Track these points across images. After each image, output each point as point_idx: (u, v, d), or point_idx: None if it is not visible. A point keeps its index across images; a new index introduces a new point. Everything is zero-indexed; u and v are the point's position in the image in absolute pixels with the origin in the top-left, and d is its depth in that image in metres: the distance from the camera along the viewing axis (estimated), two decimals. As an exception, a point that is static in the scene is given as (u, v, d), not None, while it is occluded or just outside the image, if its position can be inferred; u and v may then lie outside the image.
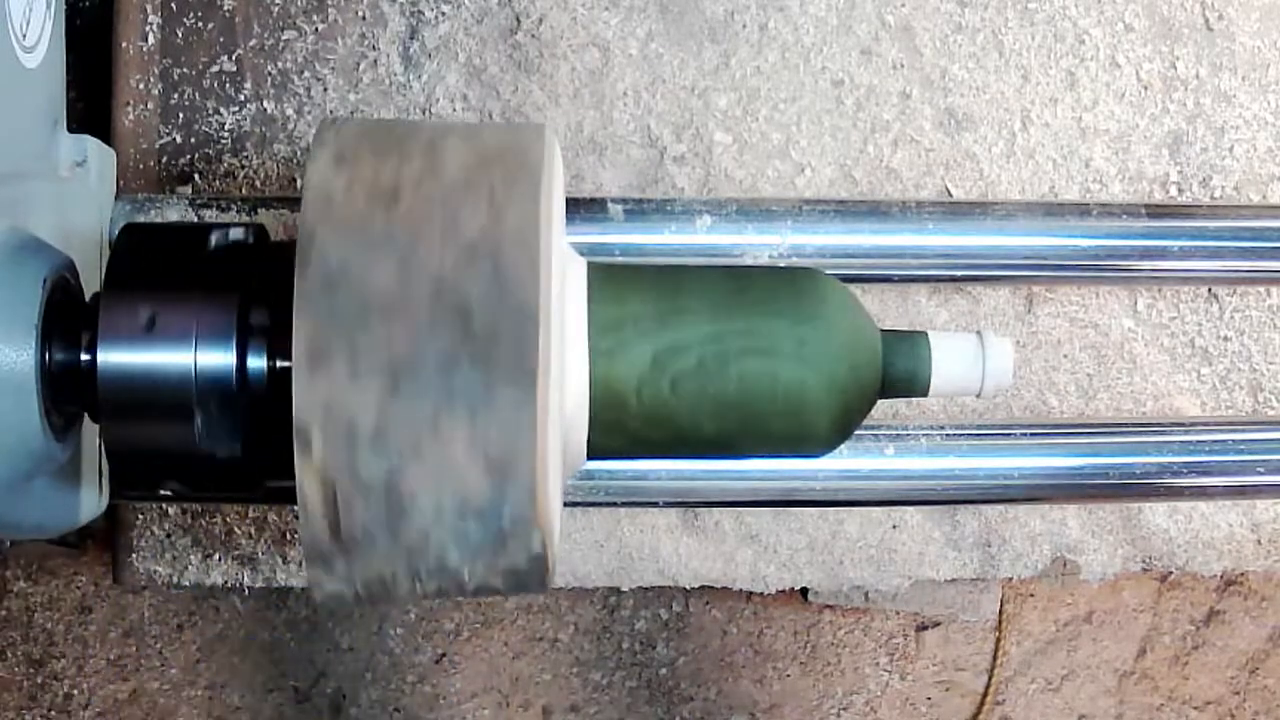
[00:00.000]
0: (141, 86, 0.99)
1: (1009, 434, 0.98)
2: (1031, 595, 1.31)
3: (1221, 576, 1.31)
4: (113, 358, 0.64)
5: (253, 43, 1.00)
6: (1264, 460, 0.98)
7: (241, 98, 1.00)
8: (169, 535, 1.04)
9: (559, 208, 0.67)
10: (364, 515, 0.60)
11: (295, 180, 1.00)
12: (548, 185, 0.62)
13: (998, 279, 1.01)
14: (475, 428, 0.59)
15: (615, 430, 0.67)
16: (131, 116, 1.00)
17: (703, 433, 0.68)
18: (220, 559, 1.04)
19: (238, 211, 0.91)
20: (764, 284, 0.68)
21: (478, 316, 0.59)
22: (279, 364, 0.65)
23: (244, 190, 1.00)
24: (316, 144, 0.62)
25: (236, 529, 1.04)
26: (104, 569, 1.19)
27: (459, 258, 0.59)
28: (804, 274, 0.70)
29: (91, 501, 0.82)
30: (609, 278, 0.68)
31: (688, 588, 1.10)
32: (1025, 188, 1.05)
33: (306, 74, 1.01)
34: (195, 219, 0.90)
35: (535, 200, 0.61)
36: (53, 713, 1.24)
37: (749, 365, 0.66)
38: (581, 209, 0.91)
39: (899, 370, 0.70)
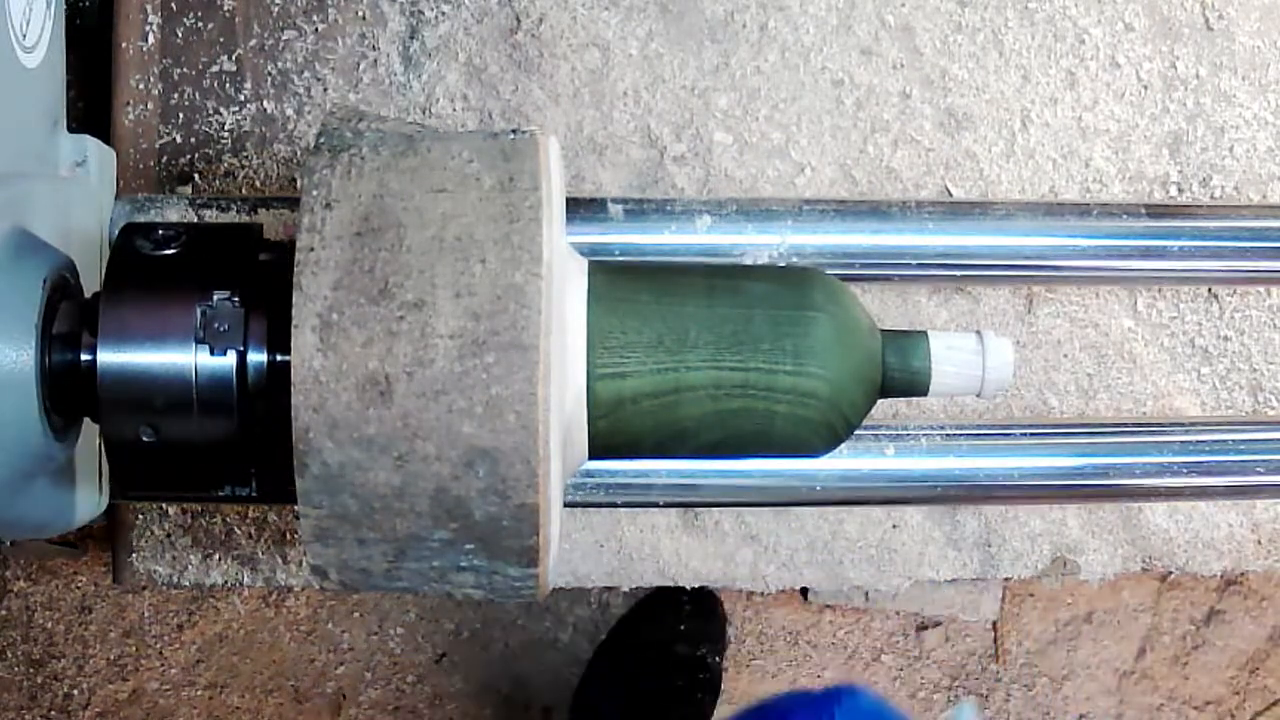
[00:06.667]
0: (141, 86, 0.99)
1: (1009, 434, 0.98)
2: (1031, 595, 1.30)
3: (1221, 576, 1.30)
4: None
5: (253, 43, 1.00)
6: (1264, 460, 0.98)
7: (241, 98, 1.00)
8: (169, 535, 1.04)
9: (559, 208, 0.67)
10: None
11: (295, 180, 1.00)
12: (545, 368, 0.60)
13: (998, 279, 1.01)
14: (479, 582, 0.65)
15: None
16: (131, 116, 0.99)
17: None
18: (220, 559, 1.04)
19: (238, 211, 0.91)
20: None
21: (478, 515, 0.61)
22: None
23: (244, 190, 1.00)
24: (298, 300, 0.59)
25: (236, 529, 1.04)
26: (104, 569, 1.19)
27: (456, 465, 0.60)
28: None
29: (91, 501, 0.82)
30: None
31: (688, 588, 1.10)
32: (1025, 188, 1.05)
33: (306, 74, 1.01)
34: (195, 219, 0.90)
35: (532, 394, 0.60)
36: (53, 713, 1.24)
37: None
38: (581, 209, 0.90)
39: (899, 370, 0.70)
